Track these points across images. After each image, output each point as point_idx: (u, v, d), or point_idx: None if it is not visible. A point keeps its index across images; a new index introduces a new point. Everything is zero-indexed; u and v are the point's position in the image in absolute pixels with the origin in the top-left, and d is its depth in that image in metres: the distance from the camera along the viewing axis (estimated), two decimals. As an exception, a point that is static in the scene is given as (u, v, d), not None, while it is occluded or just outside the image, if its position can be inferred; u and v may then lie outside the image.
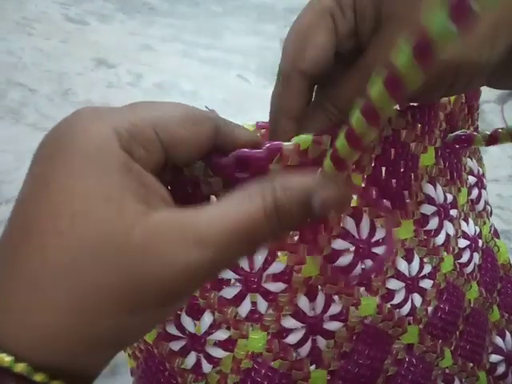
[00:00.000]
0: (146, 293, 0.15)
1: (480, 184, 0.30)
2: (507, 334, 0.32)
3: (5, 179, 0.49)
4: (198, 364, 0.24)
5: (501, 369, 0.31)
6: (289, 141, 0.20)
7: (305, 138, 0.20)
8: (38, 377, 0.15)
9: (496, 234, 0.34)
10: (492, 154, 0.60)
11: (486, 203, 0.31)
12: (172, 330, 0.24)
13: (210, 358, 0.24)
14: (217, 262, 0.15)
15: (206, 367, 0.24)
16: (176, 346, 0.24)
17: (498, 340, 0.32)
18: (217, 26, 0.71)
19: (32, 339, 0.15)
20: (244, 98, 0.62)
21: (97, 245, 0.15)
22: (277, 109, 0.23)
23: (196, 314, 0.24)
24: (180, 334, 0.24)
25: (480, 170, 0.30)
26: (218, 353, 0.24)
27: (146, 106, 0.17)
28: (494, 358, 0.31)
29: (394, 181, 0.24)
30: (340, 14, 0.21)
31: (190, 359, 0.24)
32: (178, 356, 0.24)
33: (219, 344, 0.24)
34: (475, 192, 0.30)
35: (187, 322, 0.24)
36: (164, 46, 0.67)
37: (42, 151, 0.16)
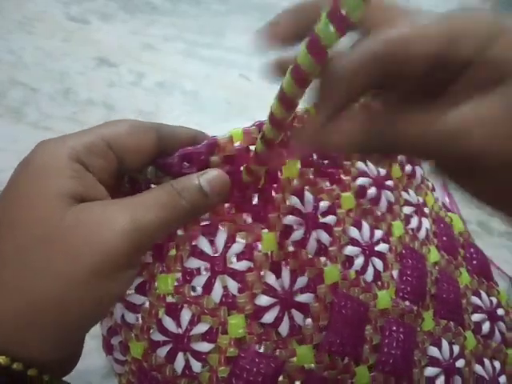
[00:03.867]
0: (84, 262, 0.18)
1: (411, 161, 0.32)
2: (482, 292, 0.33)
3: (6, 178, 0.49)
4: (187, 366, 0.24)
5: (485, 327, 0.32)
6: None
7: (236, 131, 0.23)
8: (16, 366, 0.18)
9: (446, 207, 0.35)
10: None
11: (424, 178, 0.33)
12: (156, 336, 0.24)
13: (197, 355, 0.24)
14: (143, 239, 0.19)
15: (196, 366, 0.24)
16: (163, 351, 0.24)
17: (475, 299, 0.33)
18: (219, 25, 0.71)
19: None
20: (246, 98, 0.61)
21: (36, 232, 0.18)
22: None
23: (175, 313, 0.24)
24: (165, 338, 0.24)
25: None
26: (203, 347, 0.24)
27: (97, 126, 0.22)
28: (477, 316, 0.32)
29: (326, 162, 0.27)
30: None
31: (179, 363, 0.24)
32: (167, 364, 0.24)
33: (202, 337, 0.24)
34: (408, 168, 0.32)
35: (168, 322, 0.24)
36: (166, 45, 0.67)
37: (12, 176, 0.20)
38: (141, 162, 0.22)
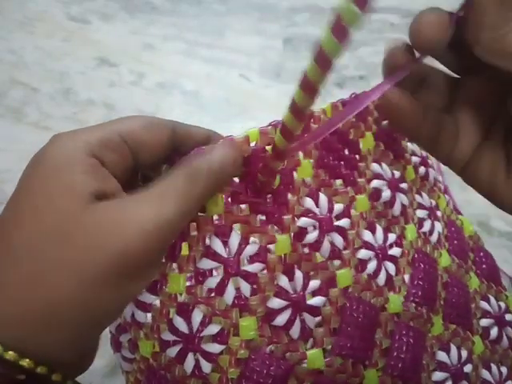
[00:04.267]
0: (105, 262, 0.18)
1: (425, 163, 0.32)
2: (490, 297, 0.33)
3: (6, 178, 0.49)
4: (197, 366, 0.24)
5: (493, 332, 0.32)
6: None
7: (253, 131, 0.23)
8: (25, 362, 0.17)
9: (457, 210, 0.35)
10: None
11: (437, 180, 0.33)
12: (167, 335, 0.24)
13: (208, 356, 0.24)
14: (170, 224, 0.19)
15: (206, 367, 0.24)
16: (173, 351, 0.24)
17: (484, 304, 0.33)
18: (219, 25, 0.71)
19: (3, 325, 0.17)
20: (246, 98, 0.61)
21: (53, 229, 0.18)
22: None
23: (186, 313, 0.24)
24: (175, 338, 0.24)
25: (423, 152, 0.32)
26: (213, 348, 0.24)
27: (112, 121, 0.21)
28: (485, 321, 0.32)
29: (341, 163, 0.27)
30: None
31: (189, 363, 0.24)
32: (176, 363, 0.24)
33: (213, 339, 0.24)
34: (422, 170, 0.32)
35: (179, 322, 0.24)
36: (166, 45, 0.67)
37: (25, 169, 0.20)
38: (155, 158, 0.22)
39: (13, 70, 0.60)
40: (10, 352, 0.16)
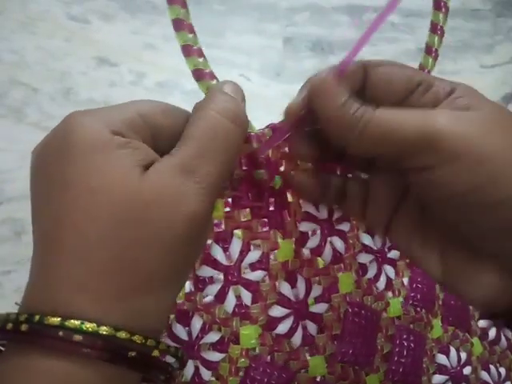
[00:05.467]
0: (175, 231, 0.18)
1: None
2: None
3: (7, 178, 0.49)
4: (196, 373, 0.24)
5: (492, 333, 0.32)
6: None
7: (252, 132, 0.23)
8: (121, 334, 0.17)
9: None
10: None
11: None
12: (166, 342, 0.23)
13: (207, 364, 0.24)
14: (210, 176, 0.19)
15: (206, 374, 0.23)
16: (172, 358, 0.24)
17: None
18: (219, 25, 0.71)
19: (96, 309, 0.17)
20: (246, 98, 0.62)
21: (117, 211, 0.17)
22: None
23: (186, 320, 0.24)
24: (174, 345, 0.24)
25: None
26: (213, 356, 0.24)
27: (131, 102, 0.20)
28: (483, 322, 0.32)
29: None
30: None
31: (189, 370, 0.24)
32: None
33: (213, 347, 0.23)
34: None
35: (179, 330, 0.24)
36: (166, 45, 0.67)
37: (43, 154, 0.19)
38: (172, 145, 0.21)
39: (14, 70, 0.60)
40: (121, 332, 0.17)
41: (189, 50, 0.21)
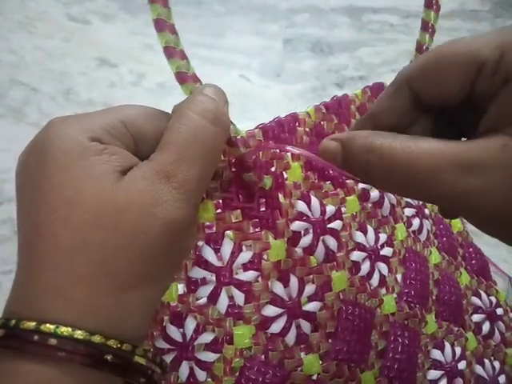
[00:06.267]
0: (150, 238, 0.18)
1: None
2: (482, 293, 0.33)
3: (7, 178, 0.49)
4: (191, 374, 0.24)
5: (485, 327, 0.32)
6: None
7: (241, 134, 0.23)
8: (95, 338, 0.17)
9: None
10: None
11: None
12: (160, 343, 0.24)
13: (202, 364, 0.24)
14: (189, 181, 0.18)
15: (201, 375, 0.24)
16: (167, 359, 0.24)
17: (476, 300, 0.33)
18: (219, 25, 0.71)
19: (72, 314, 0.17)
20: (246, 98, 0.62)
21: (90, 219, 0.17)
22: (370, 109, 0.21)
23: (179, 322, 0.24)
24: (169, 346, 0.24)
25: None
26: (207, 356, 0.24)
27: (112, 108, 0.20)
28: (477, 317, 0.32)
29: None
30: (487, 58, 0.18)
31: (183, 371, 0.24)
32: (171, 371, 0.24)
33: (207, 347, 0.24)
34: None
35: (173, 331, 0.24)
36: (166, 46, 0.67)
37: (25, 163, 0.19)
38: (154, 150, 0.21)
39: (13, 70, 0.60)
40: (96, 336, 0.17)
41: (171, 52, 0.20)
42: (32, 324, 0.16)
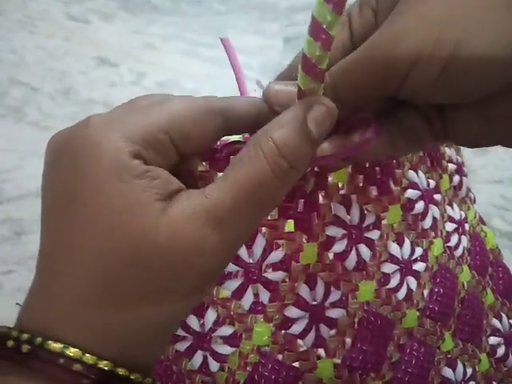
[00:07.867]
0: (182, 285, 0.17)
1: (460, 171, 0.31)
2: (503, 315, 0.32)
3: (7, 178, 0.49)
4: (204, 363, 0.24)
5: (500, 351, 0.32)
6: None
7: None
8: (120, 370, 0.16)
9: (481, 220, 0.34)
10: (495, 155, 0.60)
11: (469, 190, 0.32)
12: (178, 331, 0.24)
13: (217, 356, 0.24)
14: (238, 234, 0.17)
15: (213, 366, 0.24)
16: (182, 346, 0.24)
17: (495, 322, 0.32)
18: (219, 24, 0.71)
19: (81, 339, 0.16)
20: (246, 97, 0.61)
21: (128, 255, 0.16)
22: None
23: (200, 312, 0.24)
24: (185, 334, 0.24)
25: (459, 158, 0.31)
26: (224, 349, 0.24)
27: (157, 106, 0.18)
28: (493, 339, 0.31)
29: (377, 169, 0.25)
30: (356, 11, 0.20)
31: (197, 359, 0.24)
32: (184, 357, 0.24)
33: (225, 340, 0.24)
34: (456, 178, 0.31)
35: (192, 320, 0.24)
36: (166, 45, 0.67)
37: (57, 164, 0.17)
38: (198, 150, 0.19)
39: (13, 70, 0.60)
40: (88, 355, 0.16)
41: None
42: (59, 346, 0.16)
